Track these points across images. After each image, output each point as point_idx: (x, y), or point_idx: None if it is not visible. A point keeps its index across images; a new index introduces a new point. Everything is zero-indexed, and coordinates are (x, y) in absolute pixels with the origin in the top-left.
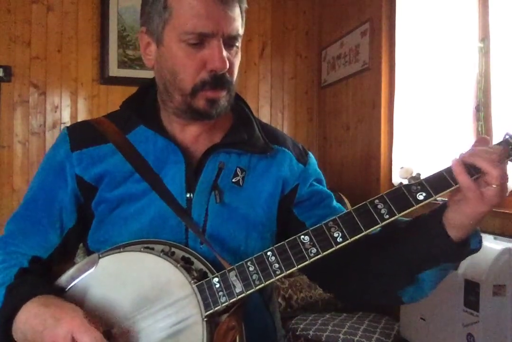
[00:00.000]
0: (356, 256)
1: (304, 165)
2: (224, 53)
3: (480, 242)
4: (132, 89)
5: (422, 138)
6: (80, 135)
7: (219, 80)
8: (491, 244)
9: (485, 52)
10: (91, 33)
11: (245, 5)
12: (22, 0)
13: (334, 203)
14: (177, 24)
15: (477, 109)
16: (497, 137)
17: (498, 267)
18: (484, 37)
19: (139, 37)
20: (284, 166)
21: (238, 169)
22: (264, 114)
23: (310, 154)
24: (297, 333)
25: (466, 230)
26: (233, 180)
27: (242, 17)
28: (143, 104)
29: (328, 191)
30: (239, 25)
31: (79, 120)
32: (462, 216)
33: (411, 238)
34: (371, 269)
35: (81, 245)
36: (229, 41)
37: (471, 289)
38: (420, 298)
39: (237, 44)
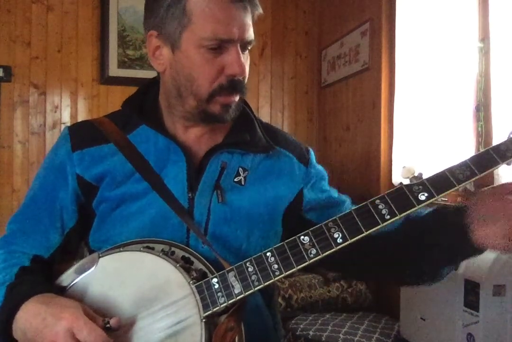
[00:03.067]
0: (379, 252)
1: (306, 166)
2: (242, 58)
3: None
4: (132, 89)
5: (422, 138)
6: (81, 135)
7: (236, 85)
8: None
9: (485, 52)
10: (91, 33)
11: (259, 11)
12: (22, 0)
13: (338, 195)
14: (197, 30)
15: (477, 109)
16: (497, 137)
17: (498, 267)
18: (484, 37)
19: (147, 41)
20: (286, 171)
21: (240, 169)
22: (264, 114)
23: (311, 151)
24: (297, 333)
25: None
26: (235, 180)
27: (253, 23)
28: (144, 104)
29: (333, 193)
30: (252, 31)
31: (79, 120)
32: (495, 246)
33: (436, 244)
34: (396, 266)
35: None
36: (244, 46)
37: (471, 289)
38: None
39: (249, 48)
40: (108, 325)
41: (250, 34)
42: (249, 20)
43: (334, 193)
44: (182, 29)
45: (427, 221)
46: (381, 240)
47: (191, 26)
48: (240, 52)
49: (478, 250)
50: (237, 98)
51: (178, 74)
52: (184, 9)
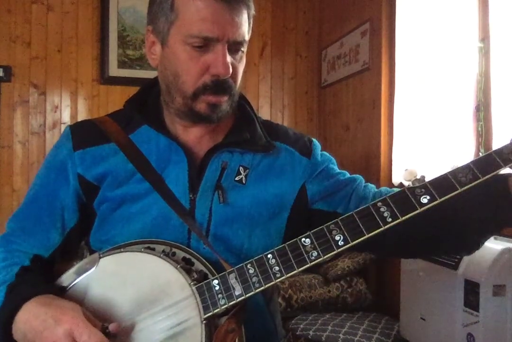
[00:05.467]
0: (429, 225)
1: (308, 157)
2: (228, 58)
3: None
4: (132, 89)
5: (422, 138)
6: (83, 134)
7: (221, 85)
8: (491, 244)
9: (485, 52)
10: (91, 33)
11: (252, 12)
12: (22, 0)
13: (347, 176)
14: (183, 27)
15: (477, 109)
16: (497, 138)
17: (498, 267)
18: (484, 37)
19: (145, 36)
20: (287, 168)
21: (240, 167)
22: (264, 114)
23: (314, 141)
24: (297, 333)
25: None
26: (236, 179)
27: (249, 23)
28: (146, 104)
29: (342, 175)
30: (245, 31)
31: (79, 120)
32: None
33: (481, 206)
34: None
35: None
36: (234, 46)
37: (471, 289)
38: None
39: (242, 49)
40: (107, 331)
41: (240, 34)
42: (239, 20)
43: (343, 175)
44: (170, 25)
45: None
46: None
47: (178, 22)
48: (227, 52)
49: None
50: (224, 99)
51: (166, 70)
52: (172, 5)
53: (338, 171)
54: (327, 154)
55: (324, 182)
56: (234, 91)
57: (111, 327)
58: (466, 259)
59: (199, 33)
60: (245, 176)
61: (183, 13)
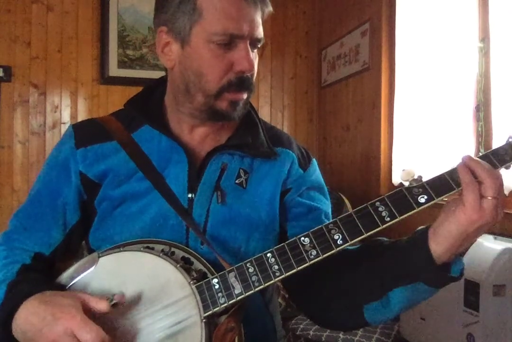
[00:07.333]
0: (329, 269)
1: (303, 171)
2: (251, 55)
3: (462, 271)
4: (132, 89)
5: (422, 139)
6: (86, 132)
7: (244, 82)
8: (491, 244)
9: (485, 52)
10: (91, 33)
11: (269, 9)
12: (22, 0)
13: (323, 217)
14: (207, 25)
15: (477, 109)
16: (497, 138)
17: (498, 267)
18: (484, 37)
19: (156, 37)
20: (285, 167)
21: (241, 170)
22: (264, 114)
23: (314, 161)
24: (297, 333)
25: (450, 248)
26: (237, 181)
27: (263, 22)
28: (148, 104)
29: (322, 205)
30: (262, 29)
31: (79, 120)
32: (452, 224)
33: (390, 252)
34: (341, 283)
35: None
36: (254, 43)
37: (471, 289)
38: (383, 318)
39: (259, 46)
40: (112, 302)
41: (260, 31)
42: (259, 18)
43: (322, 209)
44: (193, 24)
45: (389, 242)
46: (342, 261)
47: (202, 21)
48: (250, 49)
49: (440, 266)
50: (245, 95)
51: (187, 69)
52: (195, 5)
53: (318, 205)
54: (321, 180)
55: (300, 205)
56: (253, 88)
57: (116, 297)
58: (466, 258)
59: (225, 31)
60: (246, 180)
61: (207, 11)
